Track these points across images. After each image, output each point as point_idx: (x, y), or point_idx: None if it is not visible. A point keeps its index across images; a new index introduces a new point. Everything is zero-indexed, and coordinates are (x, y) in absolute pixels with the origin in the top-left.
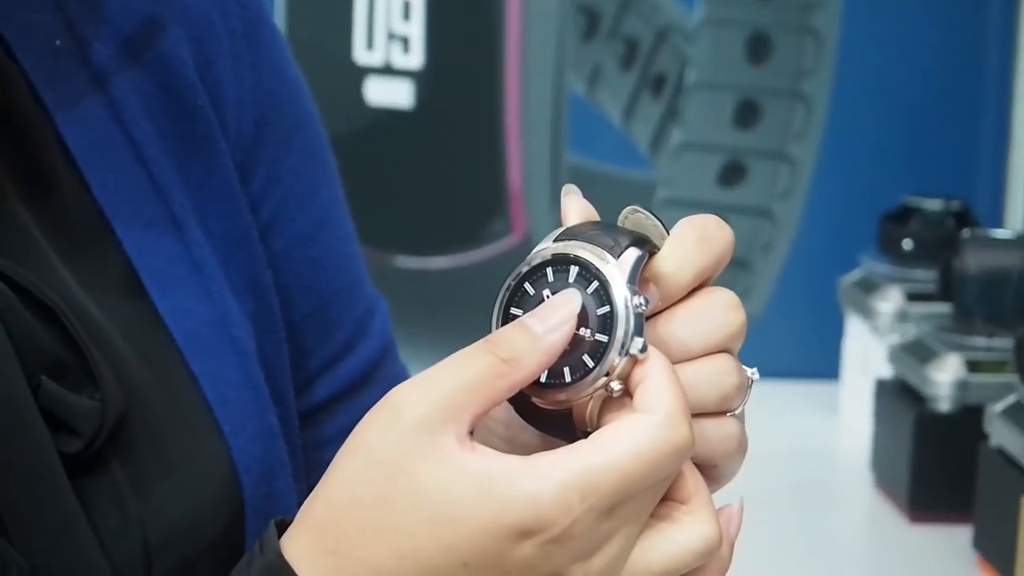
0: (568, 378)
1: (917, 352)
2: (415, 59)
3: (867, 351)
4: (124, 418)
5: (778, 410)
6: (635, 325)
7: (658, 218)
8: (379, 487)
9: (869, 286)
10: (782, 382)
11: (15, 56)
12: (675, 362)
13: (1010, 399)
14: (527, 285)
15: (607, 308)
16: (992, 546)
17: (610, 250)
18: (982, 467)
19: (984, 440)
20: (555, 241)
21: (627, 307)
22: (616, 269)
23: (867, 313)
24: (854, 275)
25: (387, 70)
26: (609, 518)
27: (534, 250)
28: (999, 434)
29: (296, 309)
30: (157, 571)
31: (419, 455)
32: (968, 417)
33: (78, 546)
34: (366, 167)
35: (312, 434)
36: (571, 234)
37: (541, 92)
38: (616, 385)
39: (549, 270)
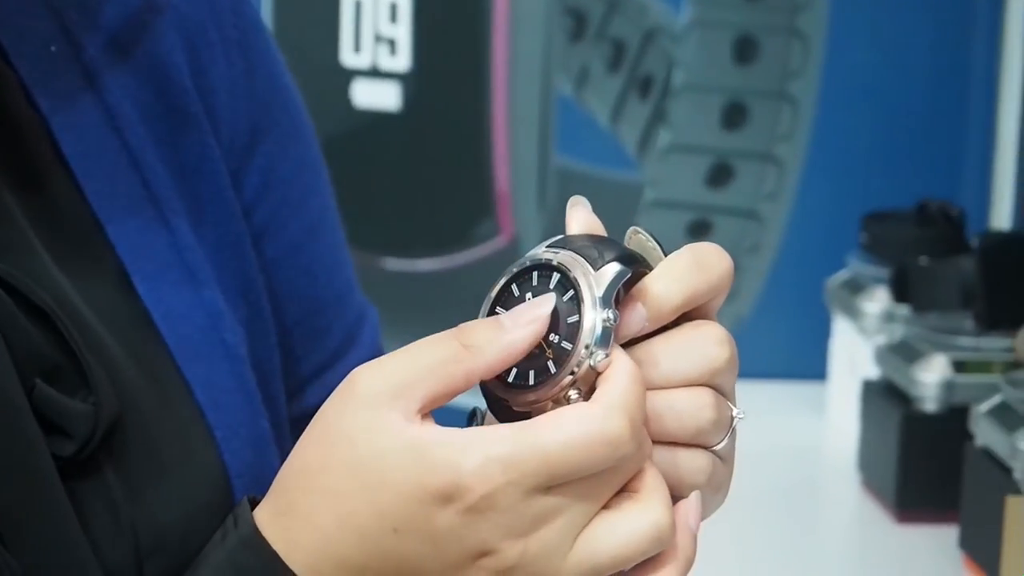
0: (532, 381)
1: (903, 353)
2: (402, 61)
3: (854, 352)
4: (117, 422)
5: (765, 410)
6: (600, 337)
7: (659, 242)
8: (324, 454)
9: (856, 287)
10: (769, 383)
11: (11, 62)
12: (653, 388)
13: (995, 399)
14: (514, 287)
15: (576, 317)
16: (978, 546)
17: (592, 262)
18: (968, 467)
19: (970, 440)
20: (548, 247)
21: (594, 318)
22: (593, 280)
23: (854, 314)
24: (841, 276)
25: (374, 72)
26: (539, 499)
27: (527, 253)
28: (984, 434)
29: (287, 316)
30: (148, 575)
31: (362, 426)
32: (954, 417)
33: (71, 549)
34: (353, 169)
35: None
36: (564, 243)
37: (528, 94)
38: (573, 394)
39: (535, 274)
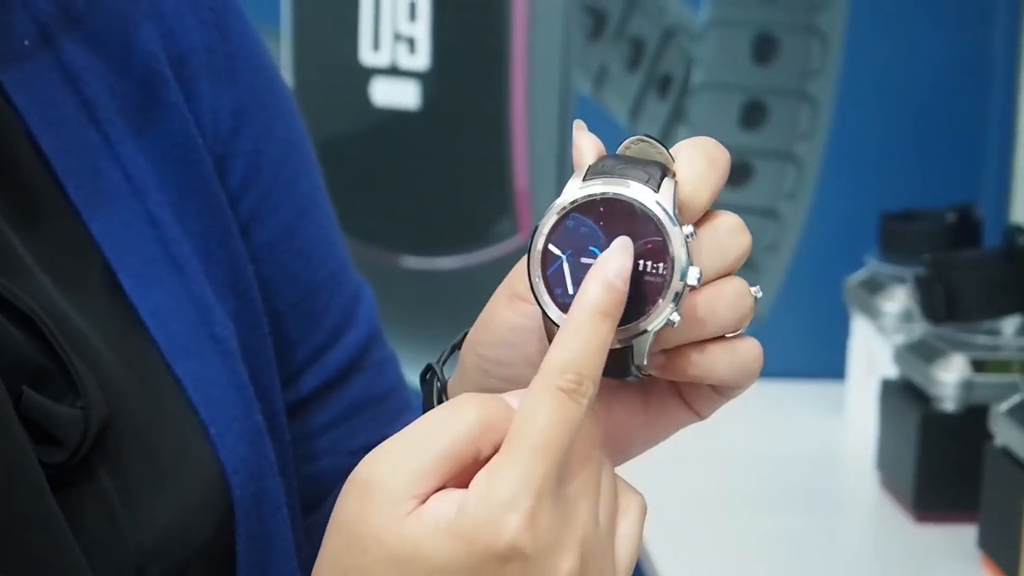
0: (629, 312)
1: (922, 352)
2: (421, 60)
3: (873, 351)
4: (108, 425)
5: (784, 410)
6: (688, 256)
7: (661, 143)
8: (359, 561)
9: (875, 286)
10: (788, 382)
11: None
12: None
13: (1015, 399)
14: (568, 222)
15: (659, 239)
16: (997, 546)
17: (647, 184)
18: (987, 467)
19: (989, 440)
20: (585, 180)
21: (679, 238)
22: (661, 203)
23: (873, 313)
24: (860, 275)
25: (393, 71)
26: (562, 501)
27: (565, 191)
28: (1004, 433)
29: (281, 300)
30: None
31: (386, 524)
32: (973, 417)
33: (62, 562)
34: (372, 168)
35: (303, 424)
36: (598, 171)
37: (547, 93)
38: (676, 316)
39: (595, 206)
